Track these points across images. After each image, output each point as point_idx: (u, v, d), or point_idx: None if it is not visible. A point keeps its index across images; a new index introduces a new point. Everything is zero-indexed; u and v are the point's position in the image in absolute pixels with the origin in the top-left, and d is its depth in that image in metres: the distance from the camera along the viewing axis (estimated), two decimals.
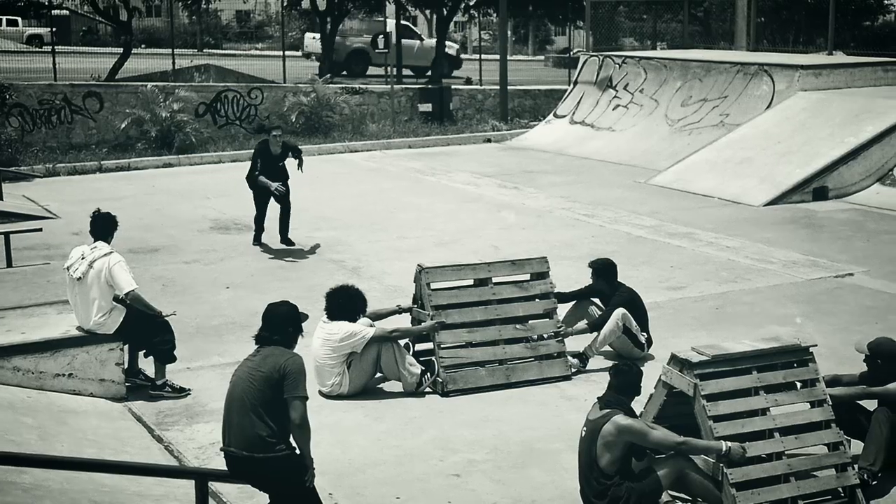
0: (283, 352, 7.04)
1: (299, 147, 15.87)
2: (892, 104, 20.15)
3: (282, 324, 7.21)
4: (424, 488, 8.11)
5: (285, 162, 15.29)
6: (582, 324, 10.82)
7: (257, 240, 15.59)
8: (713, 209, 18.15)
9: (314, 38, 35.33)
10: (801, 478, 7.68)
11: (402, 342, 10.19)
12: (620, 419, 7.39)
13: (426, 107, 28.43)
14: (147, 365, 10.14)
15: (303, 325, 7.42)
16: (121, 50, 30.10)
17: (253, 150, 15.84)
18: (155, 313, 9.92)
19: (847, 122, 20.00)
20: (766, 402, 7.76)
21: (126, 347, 10.00)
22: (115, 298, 9.82)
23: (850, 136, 19.48)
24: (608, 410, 7.48)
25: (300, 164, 15.43)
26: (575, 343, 10.69)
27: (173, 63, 29.04)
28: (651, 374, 8.36)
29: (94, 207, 10.34)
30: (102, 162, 22.74)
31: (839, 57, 27.10)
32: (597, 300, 11.08)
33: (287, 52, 32.92)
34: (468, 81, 35.03)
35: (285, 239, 15.37)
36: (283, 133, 15.94)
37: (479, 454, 8.69)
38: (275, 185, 14.91)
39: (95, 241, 9.92)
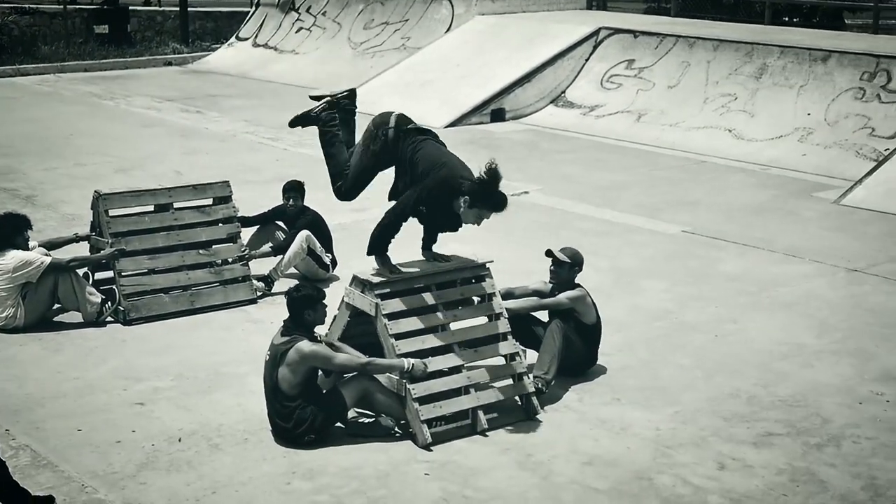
0: None
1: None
2: (565, 28, 20.91)
3: None
4: (108, 419, 7.93)
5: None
6: (266, 247, 10.81)
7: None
8: None
9: None
10: (480, 389, 7.98)
11: (80, 271, 9.87)
12: (304, 346, 7.44)
13: (102, 28, 27.27)
14: None
15: None
16: None
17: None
18: None
19: (522, 45, 20.62)
20: (446, 318, 8.00)
21: None
22: None
23: (524, 59, 20.11)
24: (290, 336, 7.53)
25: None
26: (260, 266, 10.66)
27: None
28: (336, 295, 8.46)
29: None
30: None
31: None
32: (281, 223, 11.08)
33: None
34: (147, 3, 33.92)
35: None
36: None
37: (165, 381, 8.57)
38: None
39: None
